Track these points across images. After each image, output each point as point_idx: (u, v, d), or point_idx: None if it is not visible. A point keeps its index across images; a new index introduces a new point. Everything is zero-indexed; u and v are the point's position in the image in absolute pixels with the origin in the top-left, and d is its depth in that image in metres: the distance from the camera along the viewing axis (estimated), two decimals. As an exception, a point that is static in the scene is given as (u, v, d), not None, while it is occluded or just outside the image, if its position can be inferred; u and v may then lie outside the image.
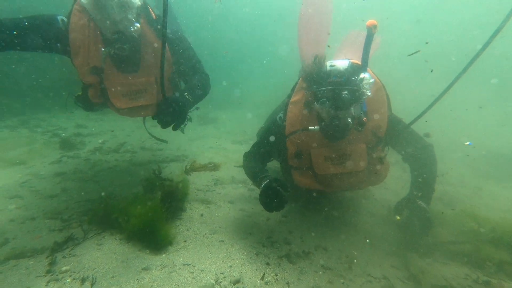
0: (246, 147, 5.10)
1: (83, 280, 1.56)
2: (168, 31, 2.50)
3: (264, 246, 2.09)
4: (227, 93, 10.52)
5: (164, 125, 2.25)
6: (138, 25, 2.28)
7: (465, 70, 1.78)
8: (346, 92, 1.84)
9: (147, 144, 4.70)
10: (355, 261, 1.99)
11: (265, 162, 2.48)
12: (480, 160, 4.53)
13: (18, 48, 2.13)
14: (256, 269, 1.81)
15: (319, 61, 2.00)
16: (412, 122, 2.07)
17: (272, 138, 2.33)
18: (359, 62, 1.95)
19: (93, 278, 1.58)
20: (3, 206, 2.37)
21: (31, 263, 1.67)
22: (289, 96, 2.31)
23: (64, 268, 1.63)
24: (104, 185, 2.98)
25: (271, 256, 1.97)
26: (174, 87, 2.75)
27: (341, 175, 2.21)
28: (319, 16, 3.54)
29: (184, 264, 1.79)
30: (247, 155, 2.53)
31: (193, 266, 1.77)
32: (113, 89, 2.40)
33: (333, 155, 2.16)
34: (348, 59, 1.99)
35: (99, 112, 2.92)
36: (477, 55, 1.72)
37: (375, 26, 1.84)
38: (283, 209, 1.91)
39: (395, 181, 3.41)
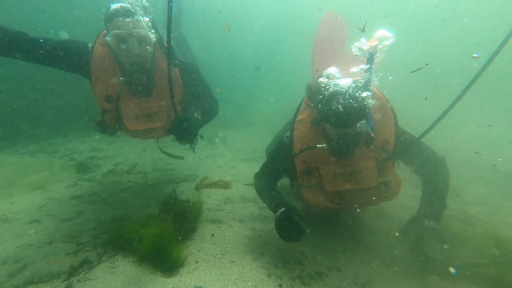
0: (256, 165, 5.12)
1: (97, 305, 1.58)
2: (181, 58, 2.67)
3: (276, 266, 2.07)
4: (236, 112, 10.71)
5: (179, 139, 2.42)
6: (151, 50, 2.46)
7: (471, 83, 1.76)
8: (351, 108, 1.86)
9: (159, 164, 4.80)
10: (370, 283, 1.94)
11: (276, 182, 2.49)
12: (496, 178, 4.32)
13: (45, 60, 2.34)
14: (268, 291, 1.78)
15: (324, 80, 2.06)
16: (422, 136, 2.05)
17: (280, 158, 2.36)
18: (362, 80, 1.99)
19: (107, 302, 1.60)
20: (23, 231, 2.45)
21: None
22: (295, 115, 2.36)
23: (79, 293, 1.66)
24: (117, 206, 3.04)
25: (284, 277, 1.94)
26: (185, 111, 2.88)
27: (351, 192, 2.19)
28: (334, 40, 3.72)
29: (196, 287, 1.79)
30: (257, 176, 2.55)
31: (205, 289, 1.77)
32: (127, 113, 2.56)
33: (343, 172, 2.15)
34: (351, 77, 2.03)
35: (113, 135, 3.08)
36: (485, 66, 1.70)
37: (376, 46, 1.90)
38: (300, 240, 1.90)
39: (410, 199, 3.31)
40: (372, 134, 2.03)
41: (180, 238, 2.28)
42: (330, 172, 2.17)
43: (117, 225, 2.63)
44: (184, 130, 2.33)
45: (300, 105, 2.37)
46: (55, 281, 1.77)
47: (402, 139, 2.19)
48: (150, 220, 2.43)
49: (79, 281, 1.77)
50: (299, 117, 2.30)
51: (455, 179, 3.90)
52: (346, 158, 2.15)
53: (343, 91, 1.91)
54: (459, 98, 1.81)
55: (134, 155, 5.43)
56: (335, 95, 1.92)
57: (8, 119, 6.29)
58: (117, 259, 2.06)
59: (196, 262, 2.08)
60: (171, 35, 1.80)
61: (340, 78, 2.07)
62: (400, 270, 2.11)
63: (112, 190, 3.60)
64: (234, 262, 2.09)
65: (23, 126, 6.27)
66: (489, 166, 4.34)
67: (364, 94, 1.92)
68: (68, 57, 2.39)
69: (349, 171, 2.14)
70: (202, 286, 1.80)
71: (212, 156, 5.73)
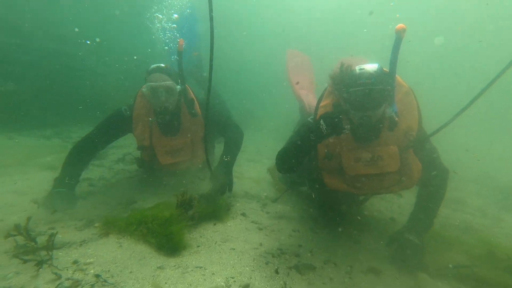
0: (260, 165, 5.20)
1: (105, 272, 1.68)
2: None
3: (274, 256, 2.14)
4: (244, 117, 10.81)
5: (222, 193, 2.84)
6: (175, 97, 2.97)
7: (486, 87, 1.82)
8: (375, 91, 1.91)
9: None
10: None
11: None
12: (498, 191, 4.37)
13: (110, 142, 3.14)
14: (265, 277, 1.86)
15: (347, 66, 2.10)
16: (433, 133, 2.10)
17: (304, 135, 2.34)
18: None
19: (113, 271, 1.70)
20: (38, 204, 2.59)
21: (60, 253, 1.82)
22: (319, 102, 2.41)
23: (88, 261, 1.77)
24: (125, 192, 3.17)
25: (281, 266, 2.02)
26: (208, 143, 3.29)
27: (371, 176, 2.20)
28: (302, 67, 4.59)
29: (196, 267, 1.87)
30: (280, 151, 2.50)
31: (205, 269, 1.86)
32: (159, 150, 3.05)
33: (364, 157, 2.18)
34: (377, 63, 2.07)
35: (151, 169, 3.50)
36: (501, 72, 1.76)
37: (404, 30, 1.94)
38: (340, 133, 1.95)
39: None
40: (396, 119, 2.04)
41: (183, 224, 2.38)
42: (352, 156, 2.19)
43: (125, 206, 2.76)
44: (222, 184, 2.81)
45: (323, 93, 2.41)
46: (66, 249, 1.89)
47: (422, 133, 2.21)
48: (158, 206, 2.55)
49: (88, 249, 1.88)
50: (322, 103, 2.35)
51: (458, 191, 3.96)
52: (368, 144, 2.17)
53: (367, 75, 1.95)
54: (473, 100, 1.85)
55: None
56: (359, 78, 1.96)
57: (25, 105, 6.53)
58: (123, 236, 2.16)
59: (198, 246, 2.18)
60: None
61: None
62: (392, 268, 2.18)
63: (120, 176, 3.75)
64: (234, 249, 2.17)
65: (38, 113, 6.50)
66: (495, 180, 4.40)
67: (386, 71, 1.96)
68: (118, 131, 3.11)
69: (371, 156, 2.17)
70: (202, 267, 1.88)
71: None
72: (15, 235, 1.72)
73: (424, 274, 2.01)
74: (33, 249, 1.73)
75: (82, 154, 2.96)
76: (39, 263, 1.60)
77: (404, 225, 2.40)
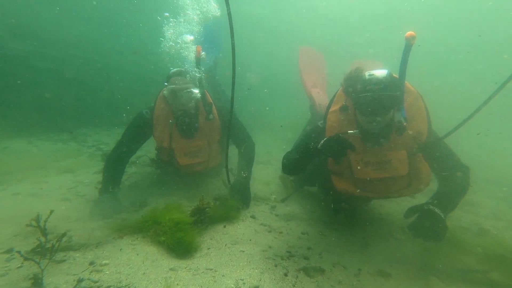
0: (270, 167, 5.21)
1: (119, 273, 1.75)
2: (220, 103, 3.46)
3: (283, 259, 2.17)
4: (253, 118, 10.83)
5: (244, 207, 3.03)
6: (195, 101, 3.09)
7: (501, 86, 1.80)
8: (383, 97, 1.93)
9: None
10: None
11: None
12: None
13: (139, 145, 3.26)
14: (274, 279, 1.89)
15: (358, 71, 2.13)
16: (446, 135, 2.10)
17: (313, 139, 2.32)
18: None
19: (127, 272, 1.77)
20: (57, 206, 2.70)
21: (77, 255, 1.91)
22: (329, 106, 2.43)
23: (104, 262, 1.85)
24: (138, 193, 3.27)
25: (290, 268, 2.04)
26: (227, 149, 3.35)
27: (381, 180, 2.22)
28: (314, 65, 4.56)
29: (207, 269, 1.92)
30: (286, 153, 2.54)
31: (215, 271, 1.90)
32: (178, 151, 3.17)
33: (373, 161, 2.21)
34: (387, 69, 2.09)
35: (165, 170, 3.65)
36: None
37: (413, 37, 1.94)
38: (345, 156, 2.00)
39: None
40: (405, 124, 2.06)
41: (194, 227, 2.44)
42: (360, 161, 2.23)
43: (138, 209, 2.85)
44: (242, 200, 3.04)
45: (333, 98, 2.44)
46: (83, 250, 1.98)
47: (432, 136, 2.21)
48: (170, 208, 2.62)
49: (104, 251, 1.96)
50: (332, 109, 2.38)
51: (473, 193, 3.86)
52: (377, 148, 2.19)
53: (376, 81, 1.98)
54: (487, 101, 1.84)
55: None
56: (368, 84, 2.00)
57: (43, 110, 6.81)
58: (137, 238, 2.24)
59: (208, 249, 2.23)
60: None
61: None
62: (403, 271, 2.15)
63: (134, 179, 3.86)
64: (243, 251, 2.21)
65: (55, 117, 6.76)
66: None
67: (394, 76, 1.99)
68: (143, 134, 3.20)
69: (380, 160, 2.19)
70: (212, 269, 1.93)
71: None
72: (35, 226, 1.81)
73: (434, 278, 1.99)
74: (44, 249, 1.79)
75: (116, 162, 3.10)
76: (39, 262, 1.61)
77: (427, 201, 2.24)
